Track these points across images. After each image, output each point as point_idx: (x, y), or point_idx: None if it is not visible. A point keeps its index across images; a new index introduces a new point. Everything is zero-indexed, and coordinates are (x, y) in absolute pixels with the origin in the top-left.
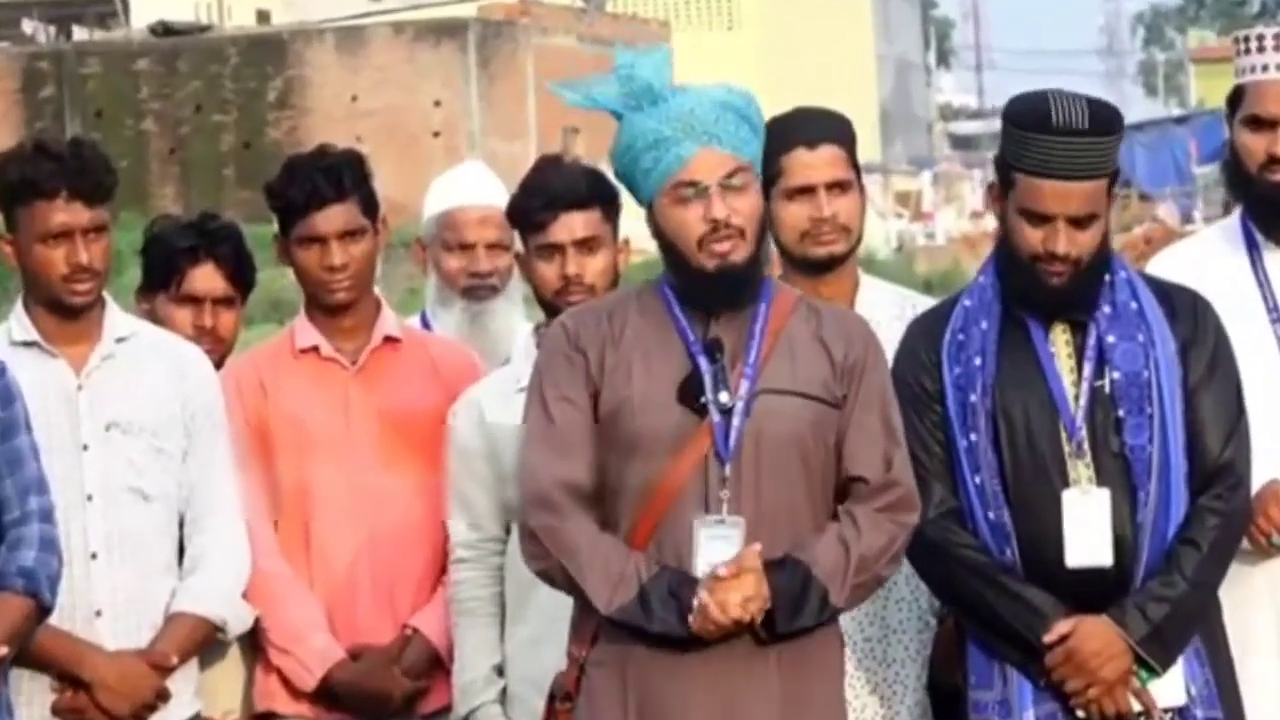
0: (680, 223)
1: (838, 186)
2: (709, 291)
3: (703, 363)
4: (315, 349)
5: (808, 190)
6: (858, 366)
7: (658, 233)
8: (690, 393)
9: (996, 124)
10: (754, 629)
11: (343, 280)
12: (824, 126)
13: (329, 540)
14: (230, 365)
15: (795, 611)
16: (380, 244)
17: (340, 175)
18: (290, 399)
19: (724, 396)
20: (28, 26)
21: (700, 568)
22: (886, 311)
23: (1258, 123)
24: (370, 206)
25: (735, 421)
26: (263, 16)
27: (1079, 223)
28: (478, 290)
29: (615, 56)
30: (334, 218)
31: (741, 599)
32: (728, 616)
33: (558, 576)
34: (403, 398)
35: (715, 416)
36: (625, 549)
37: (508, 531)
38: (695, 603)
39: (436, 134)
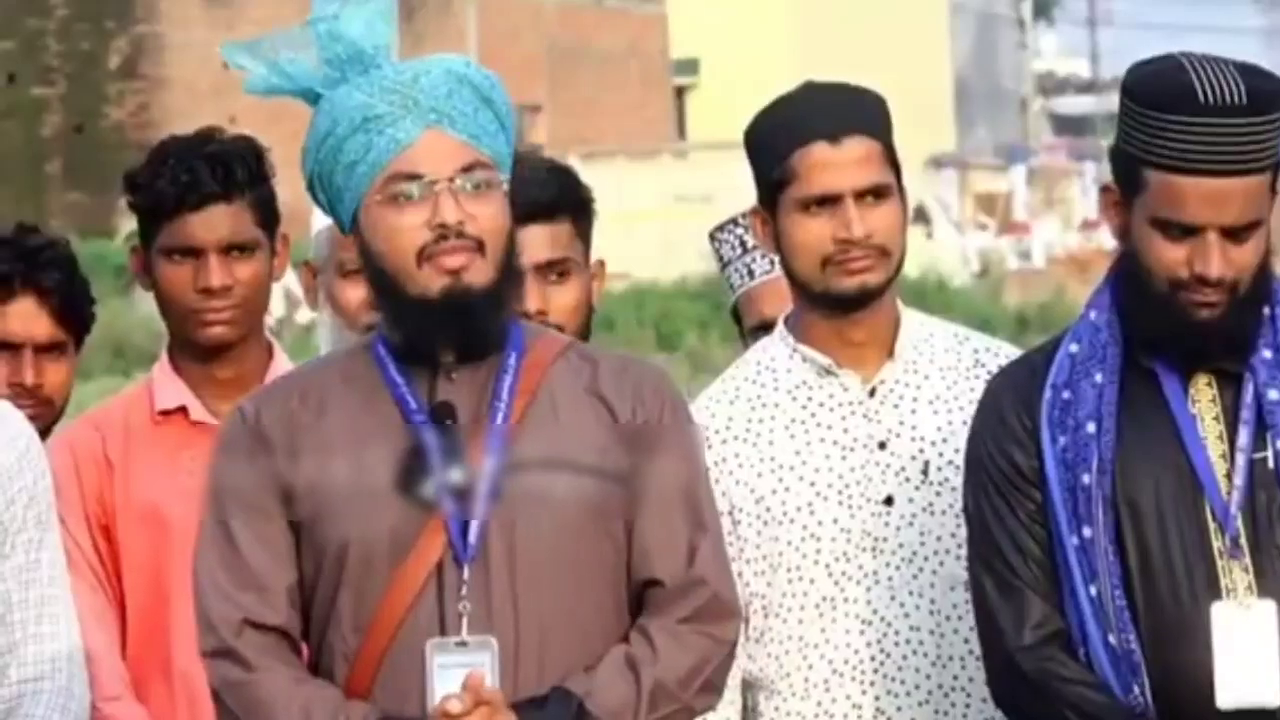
0: (394, 230)
1: (871, 194)
2: (433, 326)
3: (429, 436)
4: (182, 410)
5: (830, 201)
6: (650, 425)
7: (365, 257)
8: (412, 476)
9: (1115, 100)
10: None
11: (222, 310)
12: (849, 111)
13: (196, 675)
14: (64, 434)
15: None
16: (280, 268)
17: (230, 167)
18: (146, 480)
19: (456, 474)
20: None
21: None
22: (942, 360)
23: None
24: (267, 215)
25: (477, 510)
26: None
27: (1235, 234)
28: None
29: (315, 3)
30: (216, 222)
31: None
32: None
33: None
34: None
35: (448, 506)
36: (335, 699)
37: None
38: None
39: None
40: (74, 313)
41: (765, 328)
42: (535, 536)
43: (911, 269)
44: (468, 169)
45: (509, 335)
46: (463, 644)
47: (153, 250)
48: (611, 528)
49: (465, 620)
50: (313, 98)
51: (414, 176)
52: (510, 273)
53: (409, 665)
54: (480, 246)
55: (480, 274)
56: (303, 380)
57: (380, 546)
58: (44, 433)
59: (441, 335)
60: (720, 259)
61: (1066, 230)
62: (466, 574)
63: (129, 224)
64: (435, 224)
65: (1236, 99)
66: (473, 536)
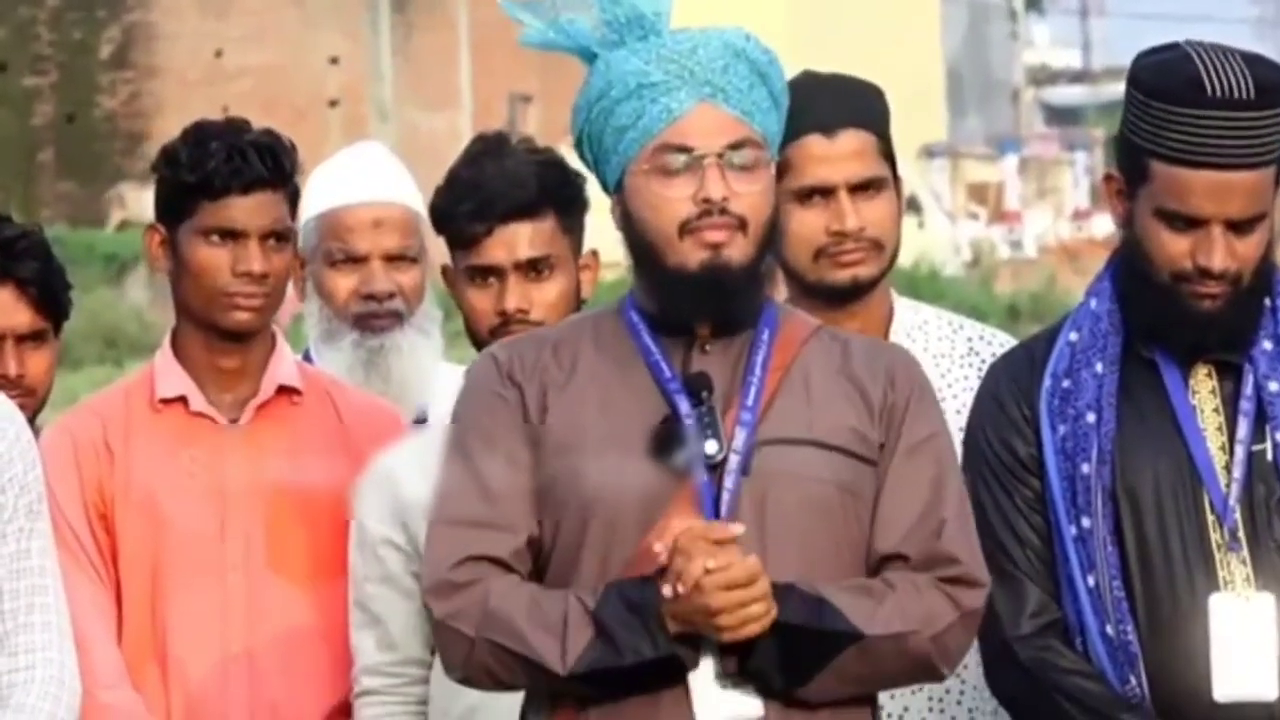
0: (659, 200)
1: (865, 187)
2: (690, 299)
3: (683, 405)
4: (182, 400)
5: (824, 192)
6: (900, 409)
7: (625, 223)
8: (666, 445)
9: (1107, 90)
10: (757, 655)
11: (254, 296)
12: (844, 104)
13: (192, 665)
14: (64, 421)
15: (807, 612)
16: (297, 264)
17: (277, 157)
18: (144, 468)
19: (711, 446)
20: None
21: (695, 696)
22: (936, 347)
23: None
24: (295, 209)
25: (728, 482)
26: None
27: (1239, 227)
28: (374, 319)
29: None
30: (262, 208)
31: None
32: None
33: (494, 664)
34: (298, 471)
35: (701, 476)
36: (559, 591)
37: (433, 652)
38: (664, 587)
39: (333, 103)
40: (52, 300)
41: None
42: (784, 513)
43: (903, 258)
44: (737, 145)
45: (763, 312)
46: None
47: (182, 231)
48: (859, 508)
49: None
50: (588, 56)
51: (683, 149)
52: (769, 252)
53: None
54: (743, 224)
55: (739, 251)
56: (555, 335)
57: (629, 512)
58: (28, 421)
59: (697, 308)
60: None
61: (1058, 220)
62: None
63: (119, 213)
64: (700, 198)
65: (1244, 92)
66: (725, 506)
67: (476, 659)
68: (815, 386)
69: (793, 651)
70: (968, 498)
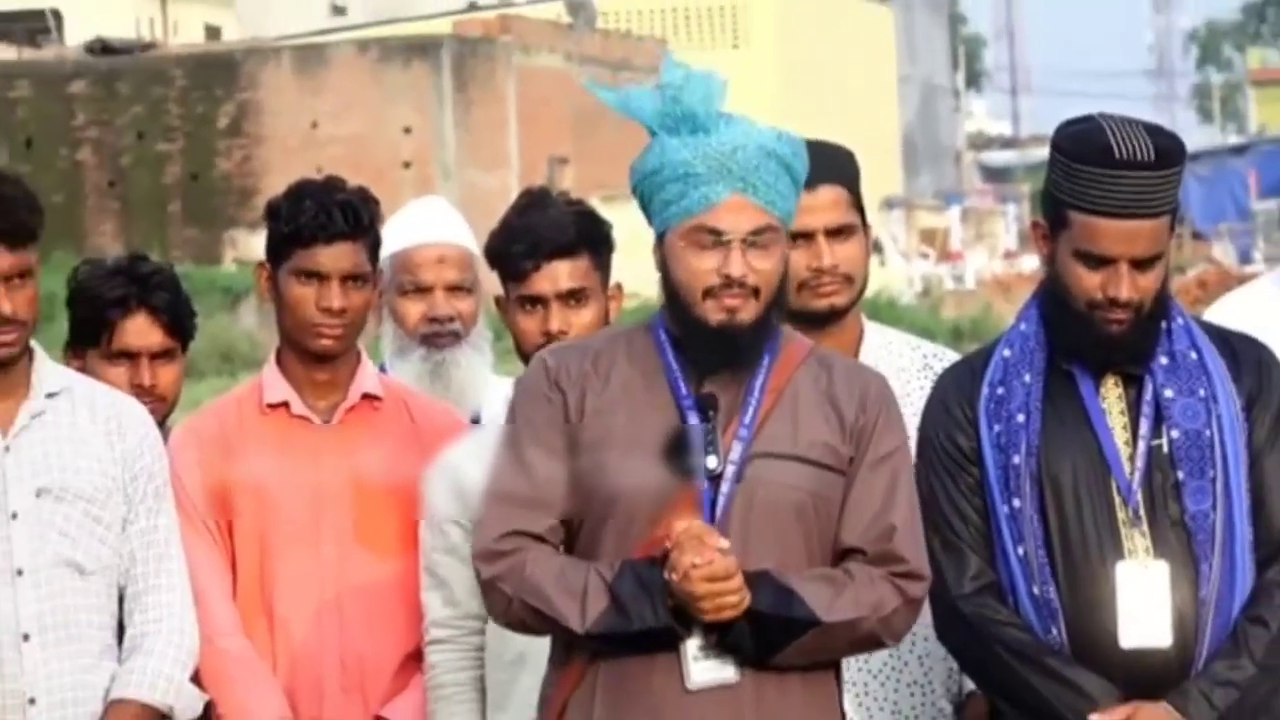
0: (691, 269)
1: (840, 232)
2: (705, 347)
3: (693, 420)
4: (285, 405)
5: (806, 236)
6: (868, 428)
7: (663, 269)
8: (676, 453)
9: (1033, 153)
10: (733, 637)
11: (335, 327)
12: (823, 165)
13: (294, 619)
14: (191, 421)
15: (775, 600)
16: (377, 297)
17: (357, 211)
18: (255, 460)
19: (711, 461)
20: None
21: (684, 661)
22: (897, 362)
23: None
24: (376, 253)
25: (724, 489)
26: (212, 33)
27: (1142, 265)
28: (437, 338)
29: (665, 68)
30: (342, 256)
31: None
32: (690, 558)
33: (527, 618)
34: (379, 462)
35: (702, 482)
36: (583, 563)
37: None
38: (667, 573)
39: (407, 164)
40: (180, 324)
41: None
42: (767, 514)
43: (867, 290)
44: (758, 231)
45: (766, 344)
46: None
47: (282, 270)
48: (829, 510)
49: None
50: (650, 131)
51: (715, 232)
52: (776, 306)
53: None
54: (756, 292)
55: (751, 313)
56: (596, 345)
57: (643, 505)
58: (160, 423)
59: (709, 356)
60: None
61: (993, 258)
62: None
63: (232, 253)
64: (723, 273)
65: (1146, 155)
66: (720, 509)
67: (514, 613)
68: (802, 406)
69: (762, 632)
70: (918, 503)
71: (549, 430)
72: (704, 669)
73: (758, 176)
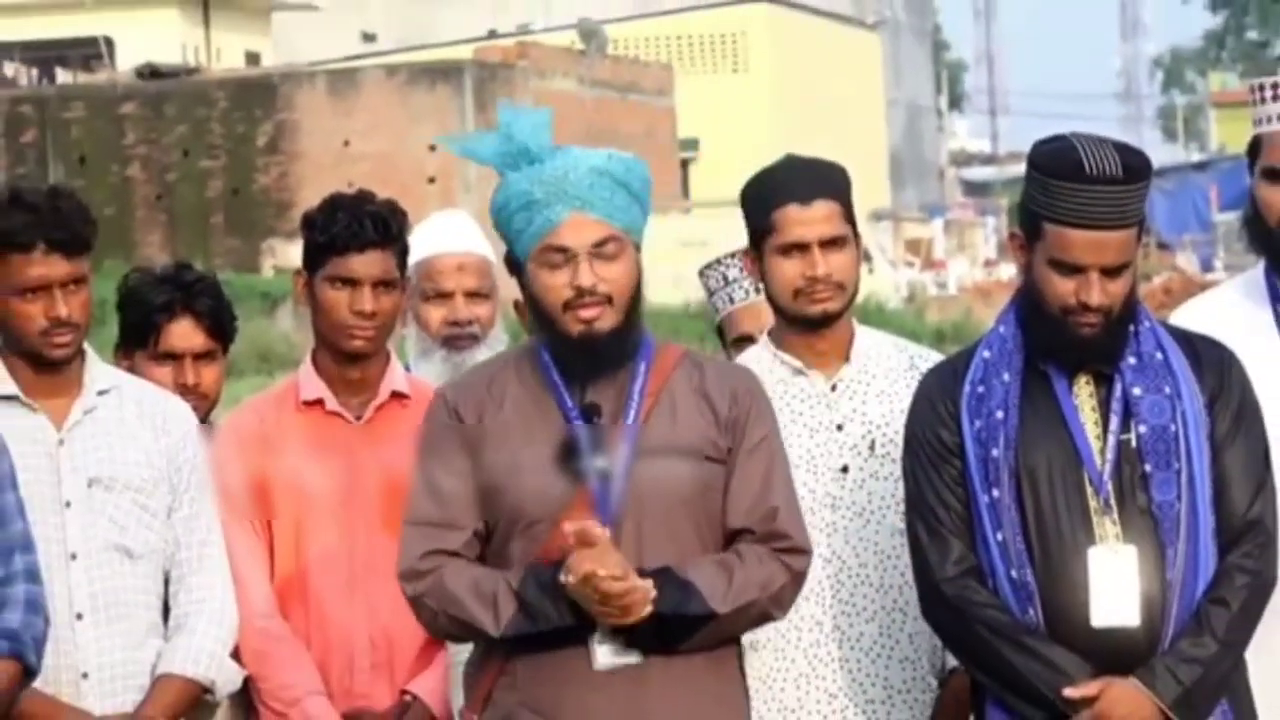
0: (547, 286)
1: (833, 243)
2: (574, 357)
3: (580, 428)
4: (320, 402)
5: (801, 247)
6: (741, 419)
7: (528, 295)
8: (568, 460)
9: (1010, 170)
10: (636, 627)
11: (368, 329)
12: (817, 180)
13: (327, 601)
14: (233, 417)
15: (676, 600)
16: (404, 301)
17: (387, 222)
18: (291, 454)
19: (600, 461)
20: (9, 69)
21: (592, 649)
22: (886, 363)
23: (1274, 175)
24: (404, 261)
25: (614, 487)
26: (252, 59)
27: (1111, 272)
28: (458, 340)
29: (500, 112)
30: (373, 263)
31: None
32: (586, 564)
33: (451, 627)
34: (408, 457)
35: (594, 483)
36: (495, 572)
37: None
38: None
39: (431, 179)
40: (221, 327)
41: (743, 340)
42: (657, 507)
43: (857, 296)
44: (601, 243)
45: (640, 348)
46: None
47: (317, 277)
48: (714, 497)
49: None
50: (499, 170)
51: (561, 249)
52: (634, 312)
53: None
54: (610, 299)
55: (608, 320)
56: (489, 373)
57: (545, 509)
58: (203, 419)
59: (577, 364)
60: (707, 289)
61: (973, 267)
62: (607, 533)
63: (270, 261)
64: (574, 285)
65: (1115, 170)
66: (613, 505)
67: (440, 624)
68: (679, 405)
69: (664, 629)
70: (792, 481)
71: (454, 456)
72: (609, 653)
73: (593, 194)
